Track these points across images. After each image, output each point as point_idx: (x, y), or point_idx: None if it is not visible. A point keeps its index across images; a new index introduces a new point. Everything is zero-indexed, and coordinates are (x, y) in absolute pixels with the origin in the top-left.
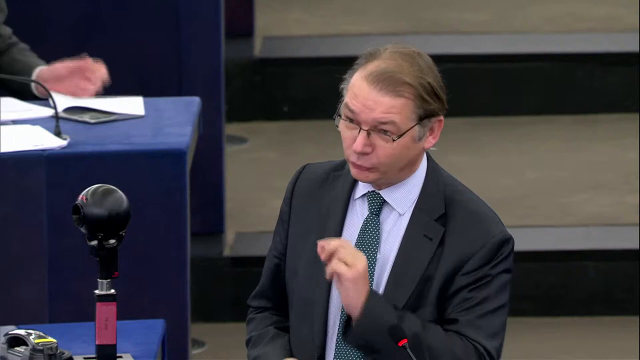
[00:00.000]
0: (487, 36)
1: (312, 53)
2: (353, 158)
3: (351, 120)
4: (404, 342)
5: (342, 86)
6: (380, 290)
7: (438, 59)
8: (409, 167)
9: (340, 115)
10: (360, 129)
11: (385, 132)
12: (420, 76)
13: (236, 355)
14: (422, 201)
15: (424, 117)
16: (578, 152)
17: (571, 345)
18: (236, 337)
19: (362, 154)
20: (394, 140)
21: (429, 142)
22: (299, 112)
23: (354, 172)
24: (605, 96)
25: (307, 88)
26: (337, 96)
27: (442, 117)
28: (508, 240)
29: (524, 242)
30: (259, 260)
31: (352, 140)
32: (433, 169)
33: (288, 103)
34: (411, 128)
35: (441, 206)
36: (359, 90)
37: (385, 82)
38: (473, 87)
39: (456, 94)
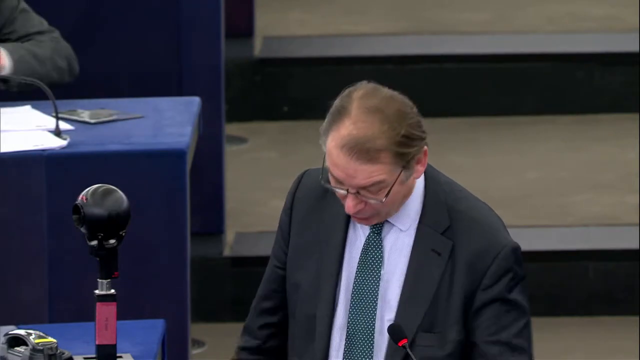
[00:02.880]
0: (487, 36)
1: (312, 53)
2: (349, 212)
3: (338, 182)
4: (404, 342)
5: (320, 141)
6: (393, 310)
7: (438, 59)
8: (407, 196)
9: (327, 180)
10: (348, 192)
11: (373, 191)
12: (393, 134)
13: None
14: (425, 215)
15: (407, 163)
16: (578, 152)
17: (571, 345)
18: (236, 337)
19: (356, 212)
20: (382, 201)
21: (419, 171)
22: (299, 112)
23: (354, 219)
24: (605, 96)
25: (307, 88)
26: (337, 96)
27: (425, 147)
28: (517, 248)
29: (524, 242)
30: (259, 260)
31: (341, 195)
32: (431, 178)
33: (288, 103)
34: (397, 178)
35: (445, 218)
36: (337, 160)
37: (360, 152)
38: (473, 87)
39: (456, 94)
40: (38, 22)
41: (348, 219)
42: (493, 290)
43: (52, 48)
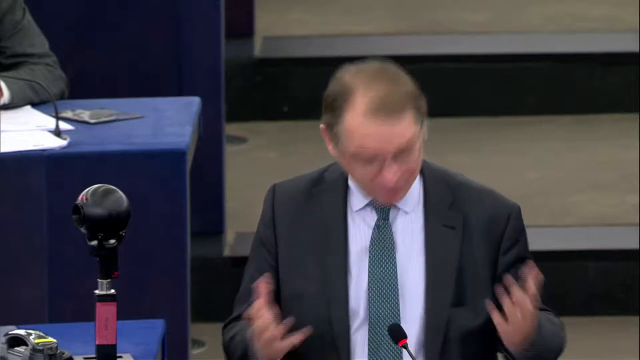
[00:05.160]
0: (487, 36)
1: (312, 53)
2: (384, 189)
3: (370, 161)
4: (404, 342)
5: (330, 135)
6: (419, 294)
7: (438, 59)
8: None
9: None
10: (385, 161)
11: (408, 151)
12: (407, 88)
13: None
14: (429, 194)
15: (421, 122)
16: (578, 152)
17: (571, 345)
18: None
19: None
20: (416, 159)
21: (424, 135)
22: (299, 112)
23: (384, 199)
24: (605, 96)
25: (307, 88)
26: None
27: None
28: (519, 207)
29: None
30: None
31: (373, 175)
32: (423, 161)
33: (288, 103)
34: (420, 135)
35: (449, 194)
36: (367, 130)
37: (387, 108)
38: (473, 87)
39: (456, 94)
40: (38, 42)
41: (345, 217)
42: (513, 252)
43: (46, 77)
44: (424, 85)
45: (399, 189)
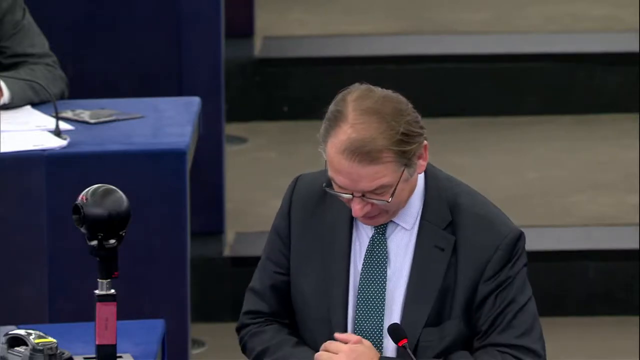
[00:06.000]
0: (487, 36)
1: (312, 53)
2: (355, 215)
3: (342, 189)
4: (404, 342)
5: (319, 149)
6: (399, 307)
7: (438, 59)
8: (412, 191)
9: (331, 187)
10: (353, 196)
11: (378, 193)
12: (392, 133)
13: (236, 356)
14: (427, 212)
15: (409, 160)
16: (578, 152)
17: (571, 345)
18: (236, 337)
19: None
20: (389, 202)
21: (421, 166)
22: (299, 112)
23: (362, 221)
24: (605, 96)
25: (307, 88)
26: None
27: (425, 142)
28: (519, 236)
29: None
30: (259, 261)
31: (345, 199)
32: (431, 175)
33: (288, 103)
34: (400, 177)
35: (447, 214)
36: (339, 166)
37: (362, 155)
38: (473, 87)
39: (456, 94)
40: (38, 42)
41: (351, 221)
42: (495, 281)
43: (46, 77)
44: (424, 86)
45: (373, 218)
